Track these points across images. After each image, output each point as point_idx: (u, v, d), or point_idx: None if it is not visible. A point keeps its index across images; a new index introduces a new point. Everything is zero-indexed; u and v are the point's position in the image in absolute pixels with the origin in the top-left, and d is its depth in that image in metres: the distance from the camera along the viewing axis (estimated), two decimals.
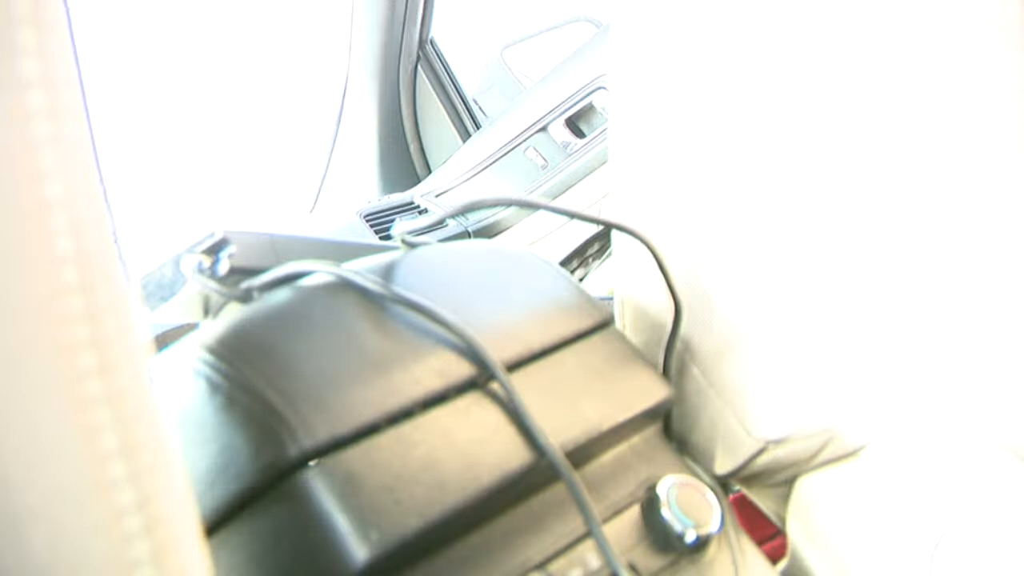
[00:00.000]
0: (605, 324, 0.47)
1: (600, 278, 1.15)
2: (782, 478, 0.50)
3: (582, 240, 1.15)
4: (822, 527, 0.47)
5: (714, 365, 0.49)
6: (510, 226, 1.19)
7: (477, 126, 1.49)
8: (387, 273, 0.43)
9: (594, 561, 0.38)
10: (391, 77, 1.48)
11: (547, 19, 1.58)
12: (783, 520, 0.50)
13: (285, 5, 1.54)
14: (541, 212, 1.16)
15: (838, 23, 0.43)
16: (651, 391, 0.44)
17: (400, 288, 0.41)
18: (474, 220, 1.20)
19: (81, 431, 0.20)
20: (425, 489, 0.35)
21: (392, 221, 1.22)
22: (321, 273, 0.42)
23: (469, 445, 0.37)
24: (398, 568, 0.34)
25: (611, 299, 0.54)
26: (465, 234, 1.19)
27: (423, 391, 0.38)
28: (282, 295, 0.41)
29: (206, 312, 0.46)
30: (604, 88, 1.22)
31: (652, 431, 0.46)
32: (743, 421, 0.47)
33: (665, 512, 0.41)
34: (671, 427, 0.50)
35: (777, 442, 0.47)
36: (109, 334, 0.20)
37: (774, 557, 0.46)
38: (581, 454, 0.41)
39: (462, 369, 0.39)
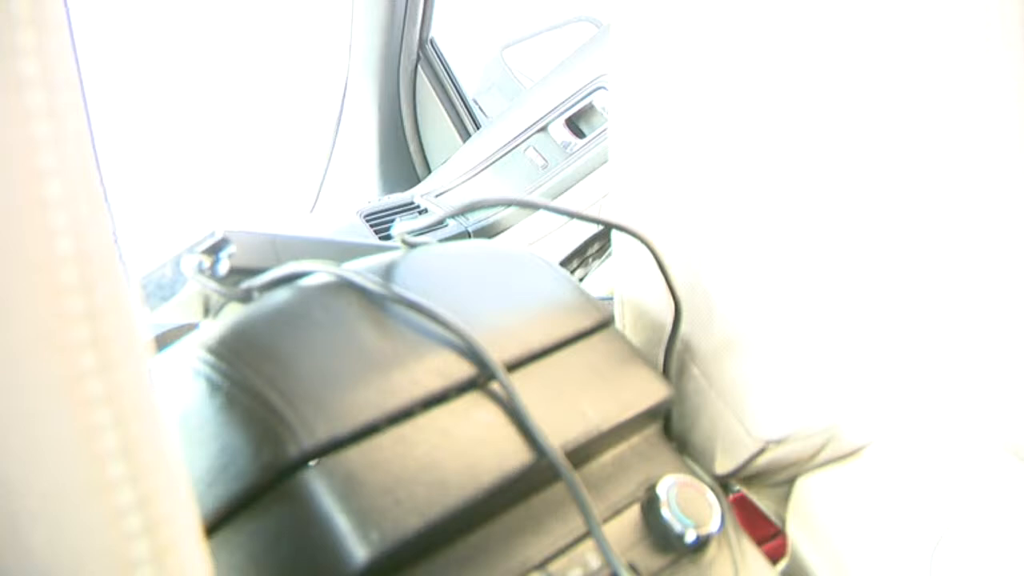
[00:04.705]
0: (605, 324, 0.47)
1: (600, 278, 1.15)
2: (782, 478, 0.50)
3: (582, 240, 1.15)
4: (822, 527, 0.47)
5: (714, 365, 0.49)
6: (510, 226, 1.19)
7: (477, 126, 1.49)
8: (387, 273, 0.43)
9: (594, 561, 0.38)
10: (391, 77, 1.48)
11: (547, 19, 1.58)
12: (783, 520, 0.50)
13: (285, 5, 1.54)
14: (541, 212, 1.16)
15: (838, 23, 0.43)
16: (651, 391, 0.44)
17: (400, 288, 0.41)
18: (474, 220, 1.20)
19: (81, 431, 0.20)
20: (425, 489, 0.35)
21: (392, 221, 1.22)
22: (321, 273, 0.42)
23: (469, 445, 0.37)
24: (398, 568, 0.34)
25: (611, 299, 0.54)
26: (465, 234, 1.19)
27: (423, 391, 0.38)
28: (282, 295, 0.40)
29: (206, 312, 0.46)
30: (604, 88, 1.22)
31: (652, 431, 0.46)
32: (743, 421, 0.47)
33: (665, 512, 0.41)
34: (671, 427, 0.50)
35: (777, 442, 0.47)
36: (109, 334, 0.20)
37: (774, 557, 0.46)
38: (581, 454, 0.41)
39: (462, 369, 0.39)
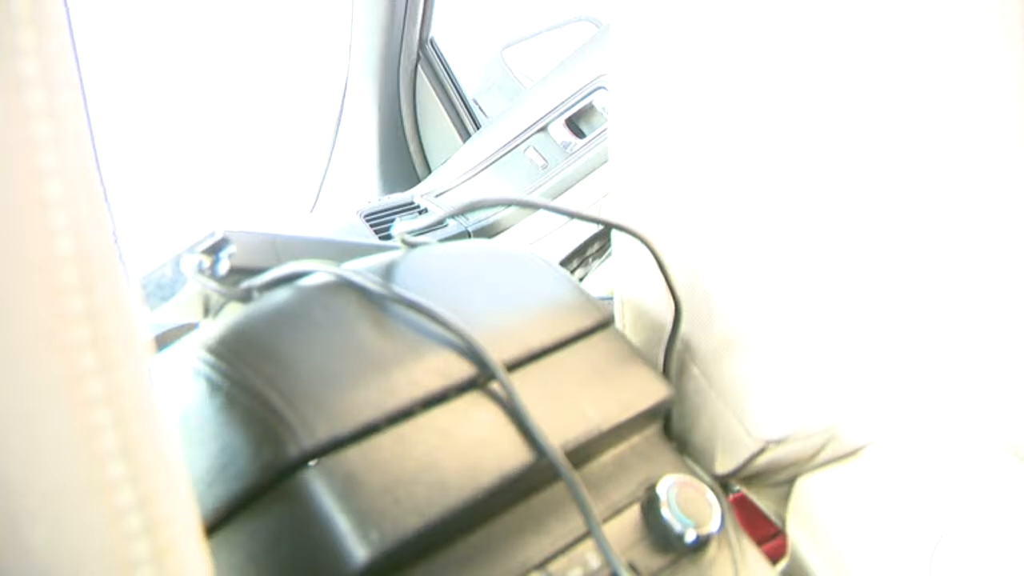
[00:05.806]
0: (605, 324, 0.47)
1: (600, 278, 1.15)
2: (782, 478, 0.50)
3: (582, 240, 1.15)
4: (822, 527, 0.47)
5: (714, 365, 0.49)
6: (510, 226, 1.19)
7: (477, 126, 1.49)
8: (387, 273, 0.43)
9: (594, 561, 0.38)
10: (391, 77, 1.48)
11: (547, 19, 1.58)
12: (783, 520, 0.50)
13: (285, 5, 1.54)
14: (541, 212, 1.16)
15: (838, 23, 0.43)
16: (651, 391, 0.44)
17: (400, 288, 0.41)
18: (474, 220, 1.20)
19: (81, 431, 0.20)
20: (425, 489, 0.35)
21: (392, 221, 1.22)
22: (321, 273, 0.42)
23: (469, 445, 0.37)
24: (398, 568, 0.34)
25: (611, 299, 0.54)
26: (465, 234, 1.19)
27: (423, 391, 0.38)
28: (282, 295, 0.41)
29: (206, 312, 0.46)
30: (604, 88, 1.22)
31: (652, 431, 0.46)
32: (743, 421, 0.47)
33: (665, 512, 0.41)
34: (671, 427, 0.50)
35: (777, 442, 0.47)
36: (109, 334, 0.20)
37: (774, 557, 0.46)
38: (581, 454, 0.41)
39: (462, 369, 0.39)
